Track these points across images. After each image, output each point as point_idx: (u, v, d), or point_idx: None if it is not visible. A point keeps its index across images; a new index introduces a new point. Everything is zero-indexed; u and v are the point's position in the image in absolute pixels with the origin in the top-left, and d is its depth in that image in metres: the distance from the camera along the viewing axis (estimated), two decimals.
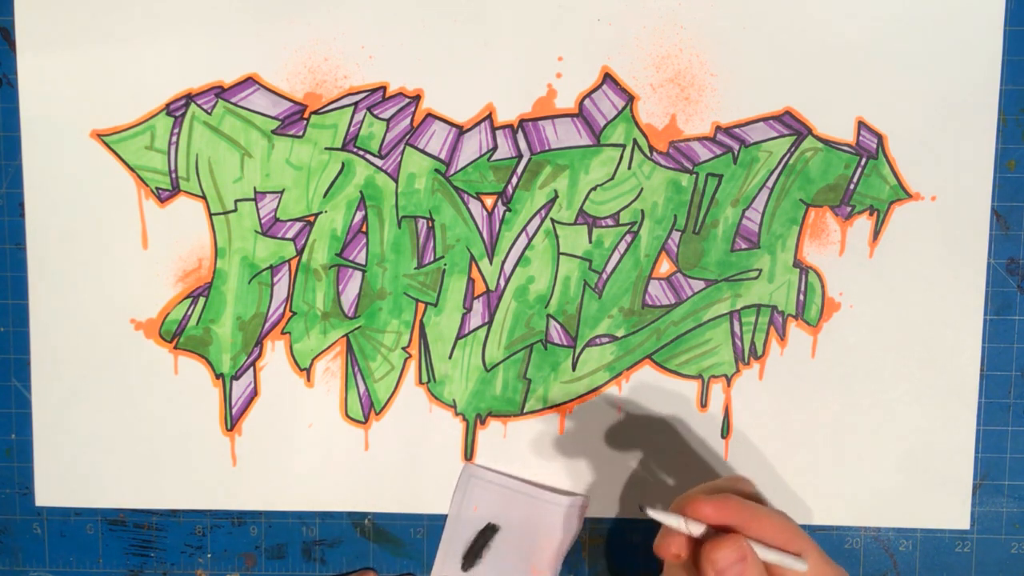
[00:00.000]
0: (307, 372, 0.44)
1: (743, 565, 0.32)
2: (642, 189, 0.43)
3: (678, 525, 0.33)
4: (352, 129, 0.43)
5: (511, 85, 0.43)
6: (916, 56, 0.42)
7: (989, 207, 0.43)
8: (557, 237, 0.44)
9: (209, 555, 0.45)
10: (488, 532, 0.44)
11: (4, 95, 0.43)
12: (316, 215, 0.44)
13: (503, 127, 0.43)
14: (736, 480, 0.36)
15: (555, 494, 0.44)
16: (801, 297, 0.44)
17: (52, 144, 0.43)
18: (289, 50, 0.43)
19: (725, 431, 0.44)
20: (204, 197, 0.44)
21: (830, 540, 0.45)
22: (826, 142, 0.43)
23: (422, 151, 0.43)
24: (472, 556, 0.44)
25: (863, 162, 0.43)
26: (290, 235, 0.44)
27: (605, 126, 0.43)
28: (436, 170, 0.43)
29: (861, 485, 0.44)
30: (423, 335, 0.44)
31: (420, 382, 0.44)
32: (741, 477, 0.36)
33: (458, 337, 0.44)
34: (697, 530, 0.33)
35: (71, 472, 0.45)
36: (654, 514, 0.33)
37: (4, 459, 0.45)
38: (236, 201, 0.43)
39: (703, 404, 0.44)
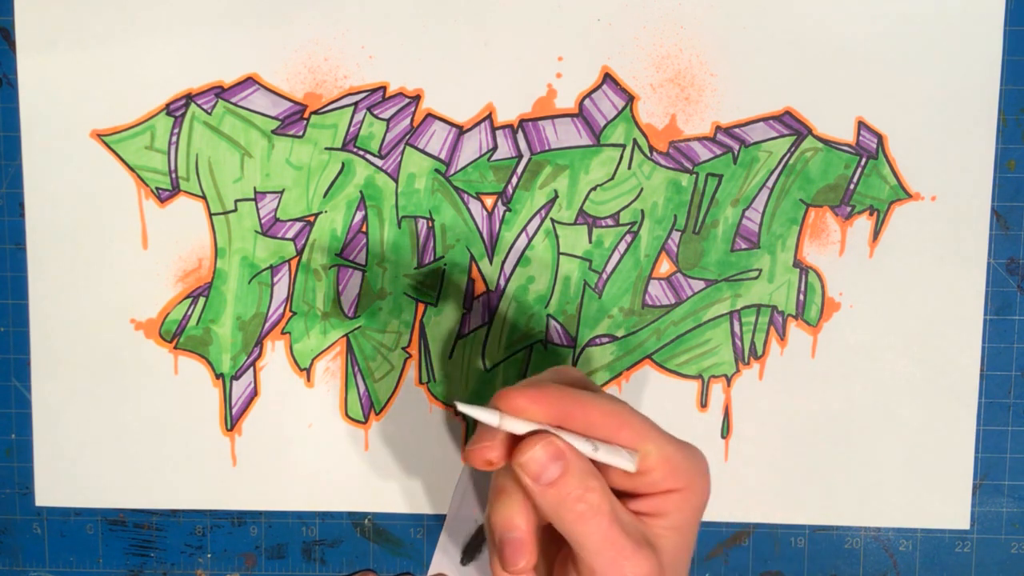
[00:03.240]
0: (307, 372, 0.44)
1: (560, 465, 0.28)
2: (642, 189, 0.43)
3: (492, 420, 0.28)
4: (352, 129, 0.43)
5: (511, 85, 0.43)
6: (916, 56, 0.42)
7: (989, 207, 0.43)
8: (557, 237, 0.44)
9: (209, 555, 0.45)
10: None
11: (4, 95, 0.43)
12: (316, 215, 0.44)
13: (503, 127, 0.43)
14: (560, 370, 0.32)
15: None
16: (801, 297, 0.44)
17: (52, 144, 0.43)
18: (289, 50, 0.43)
19: (725, 431, 0.44)
20: (204, 197, 0.44)
21: (830, 540, 0.45)
22: (826, 142, 0.43)
23: (422, 151, 0.43)
24: (472, 551, 0.44)
25: (863, 162, 0.43)
26: (290, 235, 0.44)
27: (605, 126, 0.43)
28: (436, 170, 0.43)
29: (861, 485, 0.44)
30: (423, 335, 0.44)
31: (420, 382, 0.44)
32: (566, 367, 0.33)
33: (458, 337, 0.44)
34: (519, 427, 0.28)
35: (71, 472, 0.45)
36: (465, 408, 0.28)
37: (4, 459, 0.45)
38: (236, 201, 0.44)
39: (703, 404, 0.44)
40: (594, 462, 0.29)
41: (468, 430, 0.44)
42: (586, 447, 0.29)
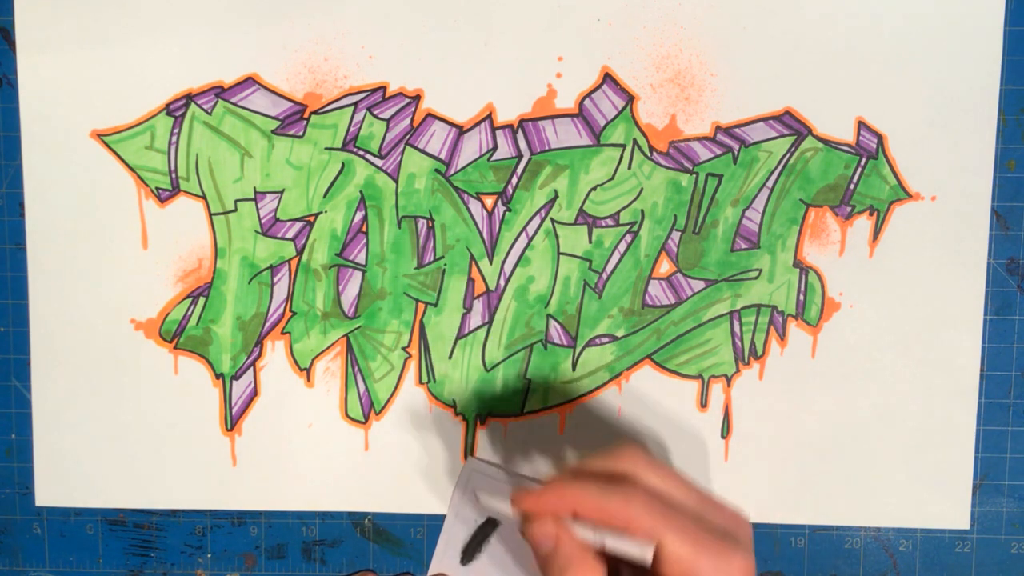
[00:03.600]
0: (307, 372, 0.44)
1: (551, 543, 0.33)
2: (642, 189, 0.43)
3: (500, 512, 0.35)
4: (352, 129, 0.43)
5: (511, 85, 0.43)
6: (916, 56, 0.42)
7: (989, 207, 0.43)
8: (557, 237, 0.44)
9: (209, 555, 0.45)
10: (489, 526, 0.44)
11: (4, 95, 0.43)
12: (316, 215, 0.44)
13: (503, 127, 0.43)
14: (622, 454, 0.34)
15: None
16: (801, 297, 0.44)
17: (52, 144, 0.43)
18: (289, 50, 0.43)
19: (725, 431, 0.44)
20: (204, 197, 0.44)
21: (830, 540, 0.45)
22: (826, 142, 0.43)
23: (422, 151, 0.43)
24: (472, 550, 0.44)
25: (863, 162, 0.43)
26: (290, 235, 0.44)
27: (605, 126, 0.43)
28: (436, 170, 0.43)
29: (861, 485, 0.44)
30: (423, 335, 0.44)
31: (420, 382, 0.44)
32: (633, 450, 0.34)
33: (458, 337, 0.44)
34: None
35: (71, 472, 0.45)
36: (484, 501, 0.35)
37: (4, 459, 0.45)
38: (236, 201, 0.43)
39: (703, 404, 0.44)
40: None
41: (468, 430, 0.44)
42: (590, 535, 0.33)
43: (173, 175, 0.43)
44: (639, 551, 0.32)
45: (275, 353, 0.44)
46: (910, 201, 0.43)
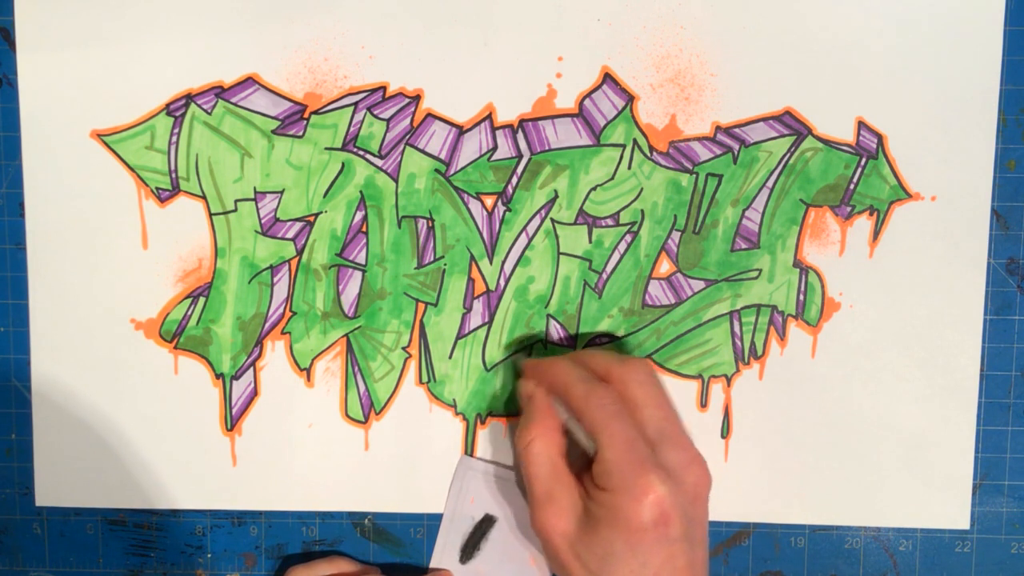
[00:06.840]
0: (307, 372, 0.44)
1: (525, 399, 0.40)
2: (642, 189, 0.43)
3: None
4: (352, 129, 0.43)
5: (511, 85, 0.43)
6: (916, 56, 0.42)
7: (989, 207, 0.43)
8: (557, 237, 0.44)
9: (209, 555, 0.45)
10: (486, 524, 0.44)
11: (4, 95, 0.43)
12: (316, 215, 0.44)
13: (503, 127, 0.43)
14: (619, 362, 0.38)
15: None
16: (801, 297, 0.44)
17: (52, 144, 0.43)
18: (289, 50, 0.43)
19: (725, 431, 0.44)
20: (204, 197, 0.44)
21: (830, 540, 0.45)
22: (826, 142, 0.43)
23: (422, 151, 0.43)
24: (470, 548, 0.45)
25: (863, 162, 0.43)
26: (290, 235, 0.44)
27: (605, 126, 0.43)
28: (436, 170, 0.43)
29: (861, 485, 0.44)
30: (423, 335, 0.44)
31: (420, 382, 0.44)
32: (631, 362, 0.38)
33: (458, 337, 0.44)
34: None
35: (71, 472, 0.45)
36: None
37: (4, 459, 0.45)
38: (236, 201, 0.43)
39: (703, 404, 0.44)
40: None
41: (468, 430, 0.44)
42: (561, 412, 0.39)
43: (173, 175, 0.43)
44: (586, 441, 0.37)
45: (275, 353, 0.44)
46: (910, 201, 0.43)
